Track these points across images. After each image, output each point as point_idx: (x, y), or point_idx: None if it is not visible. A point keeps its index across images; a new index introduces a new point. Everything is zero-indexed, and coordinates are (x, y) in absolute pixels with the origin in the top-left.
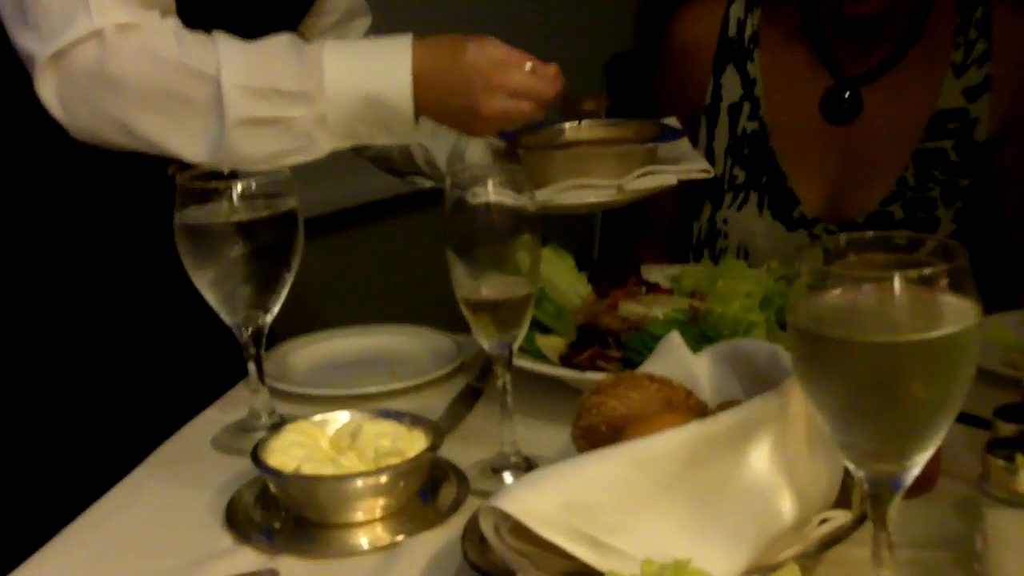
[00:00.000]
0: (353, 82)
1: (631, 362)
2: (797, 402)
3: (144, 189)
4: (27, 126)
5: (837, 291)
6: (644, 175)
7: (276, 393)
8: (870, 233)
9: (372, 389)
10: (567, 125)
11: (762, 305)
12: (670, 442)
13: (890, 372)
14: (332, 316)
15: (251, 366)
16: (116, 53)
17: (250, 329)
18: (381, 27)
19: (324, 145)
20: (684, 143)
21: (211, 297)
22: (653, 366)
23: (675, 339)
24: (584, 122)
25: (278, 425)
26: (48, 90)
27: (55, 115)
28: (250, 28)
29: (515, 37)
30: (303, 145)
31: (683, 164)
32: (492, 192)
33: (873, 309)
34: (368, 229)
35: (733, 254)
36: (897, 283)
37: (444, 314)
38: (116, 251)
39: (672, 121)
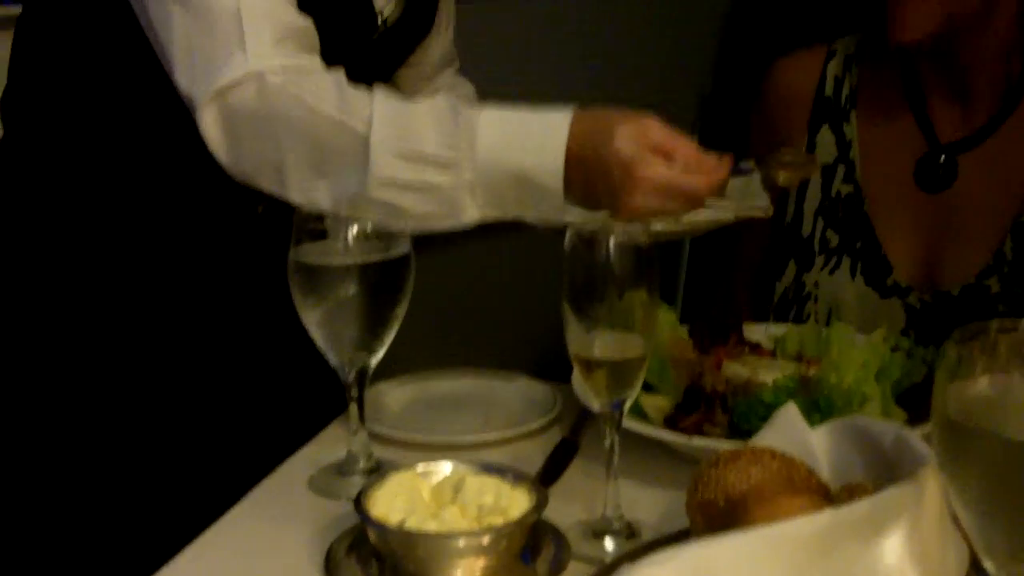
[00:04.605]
0: (504, 156)
1: (738, 428)
2: (932, 493)
3: (241, 225)
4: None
5: (986, 380)
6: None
7: (371, 435)
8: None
9: (469, 438)
10: None
11: (877, 377)
12: (803, 528)
13: None
14: (428, 352)
15: (352, 408)
16: (275, 96)
17: (354, 370)
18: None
19: (470, 213)
20: (754, 181)
21: (318, 336)
22: (769, 438)
23: (792, 411)
24: None
25: (375, 469)
26: (212, 129)
27: (218, 155)
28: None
29: (604, 82)
30: (446, 211)
31: (744, 201)
32: (613, 247)
33: None
34: (464, 259)
35: (822, 318)
36: None
37: (539, 355)
38: (217, 287)
39: (748, 163)
